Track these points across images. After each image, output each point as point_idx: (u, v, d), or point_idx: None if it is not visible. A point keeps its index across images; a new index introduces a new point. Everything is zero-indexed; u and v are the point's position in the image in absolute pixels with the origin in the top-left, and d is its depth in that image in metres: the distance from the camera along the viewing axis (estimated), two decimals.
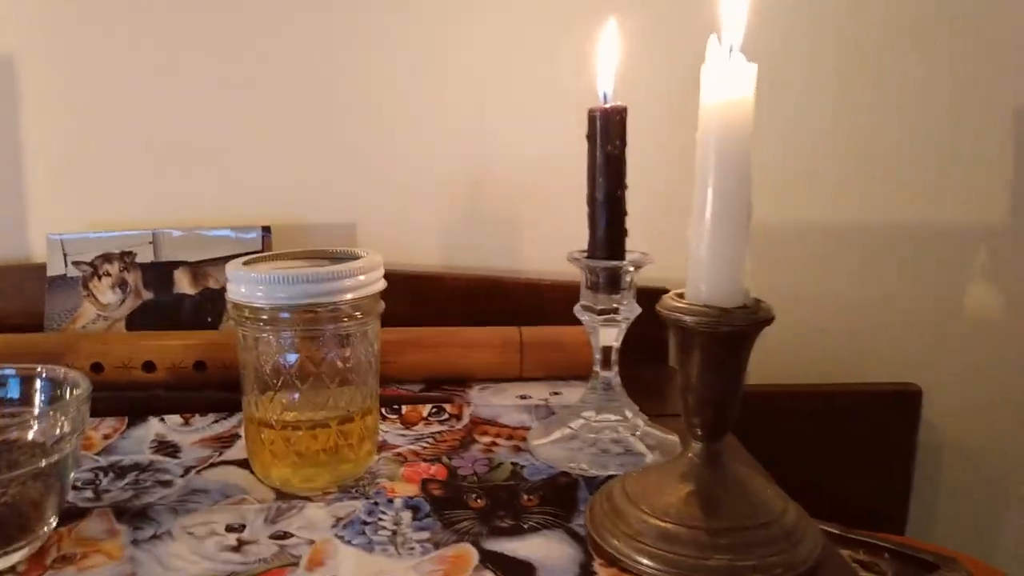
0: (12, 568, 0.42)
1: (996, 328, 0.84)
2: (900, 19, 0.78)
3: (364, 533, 0.45)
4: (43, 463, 0.43)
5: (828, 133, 0.80)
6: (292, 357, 0.48)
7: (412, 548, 0.44)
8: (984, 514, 0.88)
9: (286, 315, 0.48)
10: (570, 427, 0.57)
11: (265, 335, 0.48)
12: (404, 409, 0.63)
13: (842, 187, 0.81)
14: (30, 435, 0.44)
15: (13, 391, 0.48)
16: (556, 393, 0.67)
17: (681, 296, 0.43)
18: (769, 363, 0.82)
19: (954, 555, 0.68)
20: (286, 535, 0.45)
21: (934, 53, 0.79)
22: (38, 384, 0.48)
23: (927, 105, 0.80)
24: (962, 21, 0.78)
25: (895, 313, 0.84)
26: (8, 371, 0.48)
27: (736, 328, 0.41)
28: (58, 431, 0.43)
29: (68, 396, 0.46)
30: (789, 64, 0.78)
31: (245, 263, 0.50)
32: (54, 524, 0.44)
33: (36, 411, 0.47)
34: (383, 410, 0.62)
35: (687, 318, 0.41)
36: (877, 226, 0.82)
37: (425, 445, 0.57)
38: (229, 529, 0.46)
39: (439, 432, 0.59)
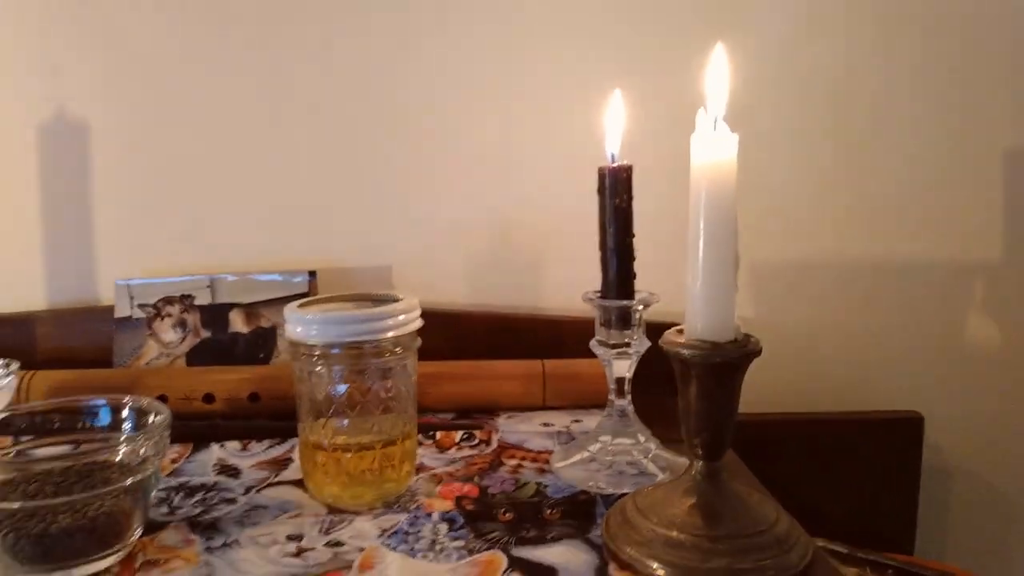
0: (107, 570, 0.48)
1: (994, 357, 0.89)
2: (897, 60, 0.84)
3: (407, 541, 0.51)
4: (129, 481, 0.49)
5: (829, 174, 0.86)
6: (342, 388, 0.55)
7: (449, 554, 0.50)
8: (993, 535, 0.91)
9: (336, 351, 0.55)
10: (589, 451, 0.63)
11: (318, 368, 0.55)
12: (438, 435, 0.70)
13: (845, 224, 0.87)
14: (119, 457, 0.51)
15: (104, 419, 0.55)
16: (577, 421, 0.73)
17: (680, 332, 0.49)
18: (778, 393, 0.87)
19: (954, 570, 0.72)
20: (339, 543, 0.51)
21: (931, 93, 0.84)
22: (125, 412, 0.55)
23: (925, 145, 0.85)
24: (959, 61, 0.84)
25: (897, 344, 0.88)
26: (99, 401, 0.55)
27: (727, 359, 0.47)
28: (143, 452, 0.50)
29: (151, 423, 0.53)
30: (790, 110, 0.85)
31: (300, 306, 0.57)
32: (139, 534, 0.51)
33: (123, 436, 0.54)
34: (420, 436, 0.68)
35: (684, 351, 0.47)
36: (879, 261, 0.87)
37: (458, 467, 0.63)
38: (289, 538, 0.52)
39: (470, 456, 0.66)
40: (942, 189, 0.86)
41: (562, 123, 0.85)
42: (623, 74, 0.82)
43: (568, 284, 0.83)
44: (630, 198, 0.59)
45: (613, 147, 0.60)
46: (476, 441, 0.69)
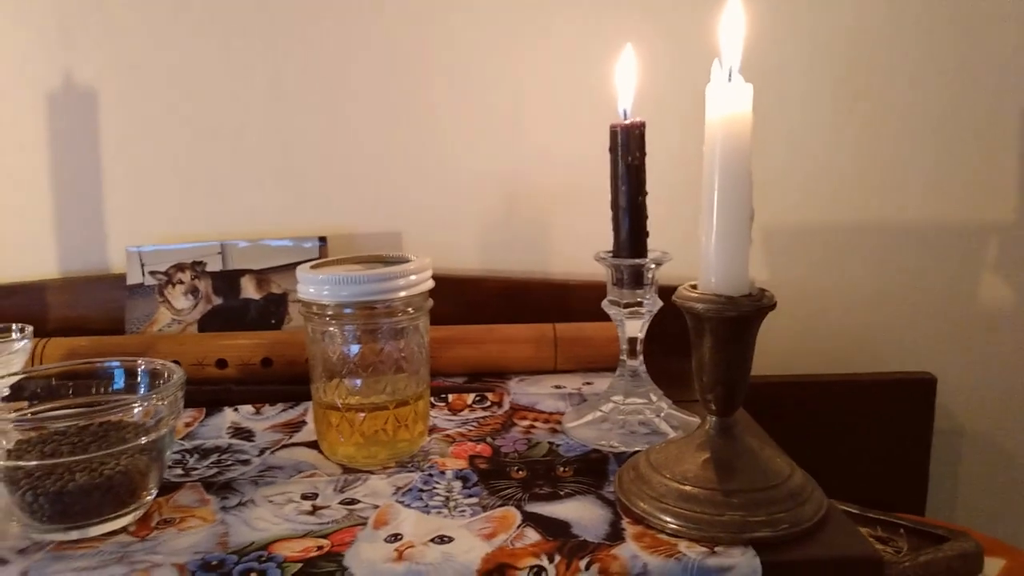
0: (124, 528, 0.49)
1: (1006, 318, 0.88)
2: (908, 19, 0.83)
3: (421, 499, 0.52)
4: (144, 440, 0.50)
5: (840, 134, 0.85)
6: (355, 348, 0.55)
7: (463, 511, 0.50)
8: (1003, 496, 0.92)
9: (349, 311, 0.55)
10: (601, 410, 0.63)
11: (331, 329, 0.55)
12: (451, 398, 0.70)
13: (856, 185, 0.86)
14: (134, 416, 0.51)
15: (118, 381, 0.55)
16: (588, 383, 0.73)
17: (694, 287, 0.49)
18: (790, 354, 0.87)
19: (965, 530, 0.72)
20: (354, 501, 0.52)
21: (938, 53, 0.83)
22: (139, 374, 0.55)
23: (935, 103, 0.84)
24: (965, 21, 0.83)
25: (909, 305, 0.88)
26: (113, 363, 0.56)
27: (741, 313, 0.46)
28: (158, 412, 0.51)
29: (165, 383, 0.53)
30: (798, 72, 0.84)
31: (313, 267, 0.57)
32: (155, 494, 0.52)
33: (140, 396, 0.54)
34: (432, 399, 0.68)
35: (698, 305, 0.47)
36: (891, 222, 0.87)
37: (471, 428, 0.64)
38: (304, 497, 0.52)
39: (482, 417, 0.66)
40: (955, 149, 0.86)
41: (572, 80, 0.84)
42: (635, 28, 0.82)
43: (580, 247, 0.82)
44: (643, 155, 0.58)
45: (626, 103, 0.59)
46: (488, 403, 0.69)
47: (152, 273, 0.82)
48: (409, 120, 0.85)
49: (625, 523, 0.48)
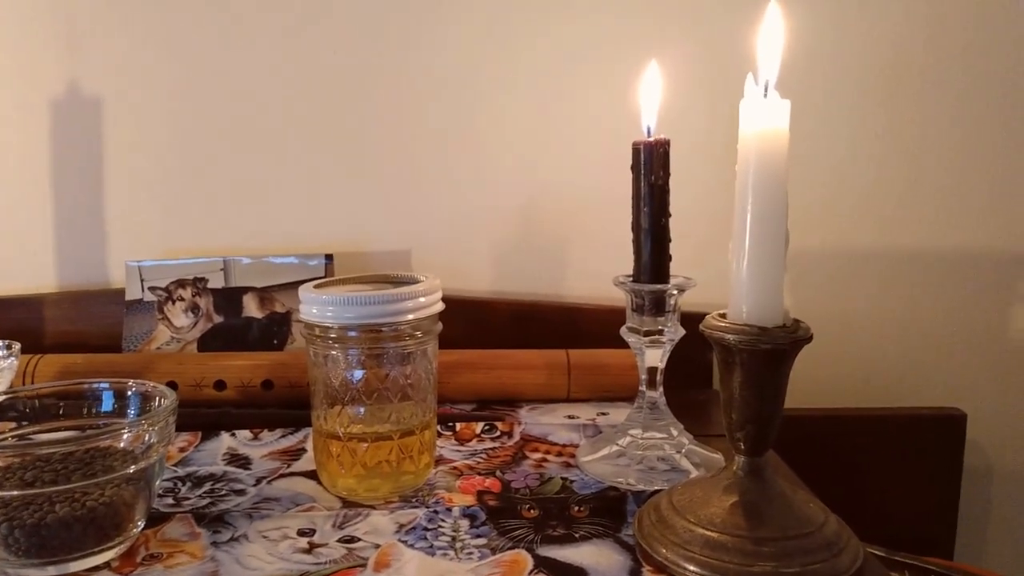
0: (107, 564, 0.46)
1: None
2: (944, 46, 0.80)
3: (426, 538, 0.48)
4: (132, 469, 0.46)
5: (875, 162, 0.82)
6: (358, 373, 0.52)
7: (471, 553, 0.46)
8: None
9: (353, 333, 0.51)
10: (618, 444, 0.59)
11: (334, 352, 0.52)
12: (458, 427, 0.67)
13: (886, 214, 0.83)
14: (122, 443, 0.48)
15: (107, 403, 0.52)
16: (603, 413, 0.70)
17: (723, 316, 0.46)
18: (815, 387, 0.84)
19: (996, 575, 0.68)
20: (353, 539, 0.48)
21: (978, 81, 0.80)
22: (129, 396, 0.52)
23: (971, 133, 0.81)
24: (1013, 46, 0.80)
25: (940, 338, 0.85)
26: (102, 385, 0.53)
27: (776, 346, 0.43)
28: (148, 439, 0.47)
29: (156, 407, 0.50)
30: (836, 95, 0.81)
31: (316, 286, 0.54)
32: (142, 526, 0.48)
33: (127, 421, 0.51)
34: (438, 428, 0.65)
35: (729, 336, 0.44)
36: (921, 252, 0.84)
37: (479, 460, 0.60)
38: (300, 533, 0.49)
39: (492, 448, 0.62)
40: (989, 178, 0.82)
41: (593, 97, 0.81)
42: (660, 44, 0.79)
43: (595, 270, 0.80)
44: (667, 175, 0.55)
45: (650, 120, 0.56)
46: (497, 433, 0.66)
47: (152, 289, 0.79)
48: (419, 133, 0.83)
49: (646, 571, 0.45)
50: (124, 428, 0.48)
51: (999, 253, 0.83)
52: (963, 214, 0.83)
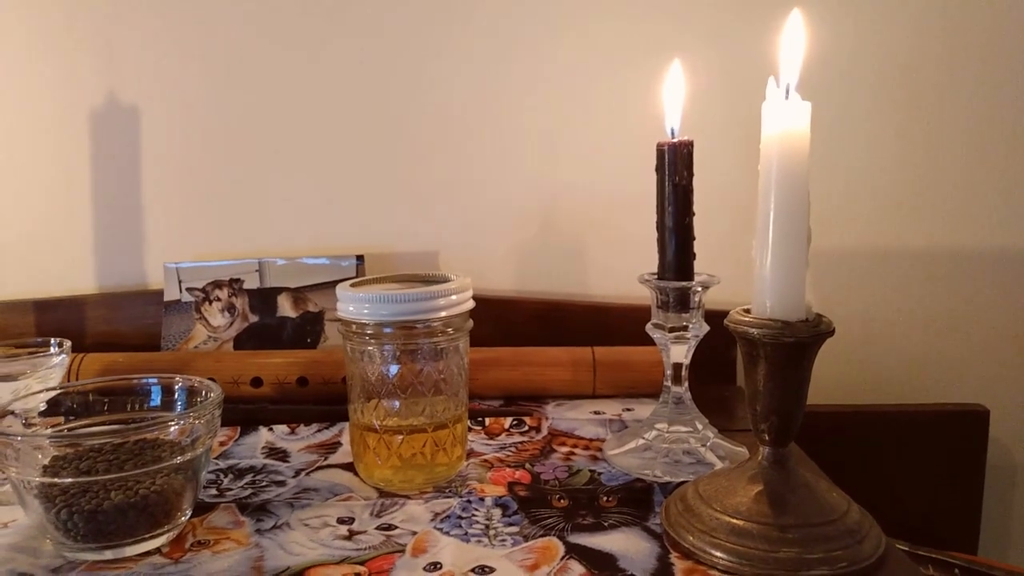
0: (158, 549, 0.48)
1: None
2: (959, 50, 0.80)
3: (460, 526, 0.50)
4: (179, 459, 0.49)
5: (893, 162, 0.83)
6: (394, 368, 0.54)
7: (504, 540, 0.48)
8: None
9: (389, 330, 0.53)
10: (644, 438, 0.61)
11: (370, 348, 0.54)
12: (487, 421, 0.68)
13: (908, 213, 0.84)
14: (170, 435, 0.50)
15: (155, 398, 0.55)
16: (628, 409, 0.71)
17: (748, 312, 0.47)
18: (838, 384, 0.85)
19: (1020, 571, 0.69)
20: (391, 527, 0.50)
21: (994, 82, 0.81)
22: (176, 391, 0.54)
23: (988, 133, 0.82)
24: (1021, 49, 0.80)
25: (962, 335, 0.85)
26: (151, 380, 0.55)
27: (799, 339, 0.44)
28: (194, 431, 0.50)
29: (203, 401, 0.53)
30: (856, 97, 0.81)
31: (353, 285, 0.56)
32: (189, 514, 0.51)
33: (175, 414, 0.54)
34: (468, 423, 0.67)
35: (753, 330, 0.45)
36: (942, 250, 0.84)
37: (509, 453, 0.62)
38: (340, 521, 0.51)
39: (520, 442, 0.64)
40: (1007, 176, 0.83)
41: (616, 98, 0.82)
42: (683, 43, 0.80)
43: (619, 269, 0.81)
44: (691, 175, 0.57)
45: (673, 121, 0.58)
46: (525, 428, 0.67)
47: (189, 290, 0.81)
48: (446, 138, 0.85)
49: (673, 557, 0.46)
50: (173, 420, 0.50)
51: (1019, 250, 0.84)
52: (982, 212, 0.83)
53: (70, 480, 0.46)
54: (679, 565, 0.45)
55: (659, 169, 0.58)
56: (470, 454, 0.61)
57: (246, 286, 0.81)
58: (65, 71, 0.86)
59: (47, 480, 0.46)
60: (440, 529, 0.50)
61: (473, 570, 0.45)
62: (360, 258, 0.81)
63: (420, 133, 0.85)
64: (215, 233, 0.87)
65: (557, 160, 0.84)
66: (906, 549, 0.72)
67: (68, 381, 0.71)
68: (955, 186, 0.83)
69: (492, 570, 0.45)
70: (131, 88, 0.86)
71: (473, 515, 0.51)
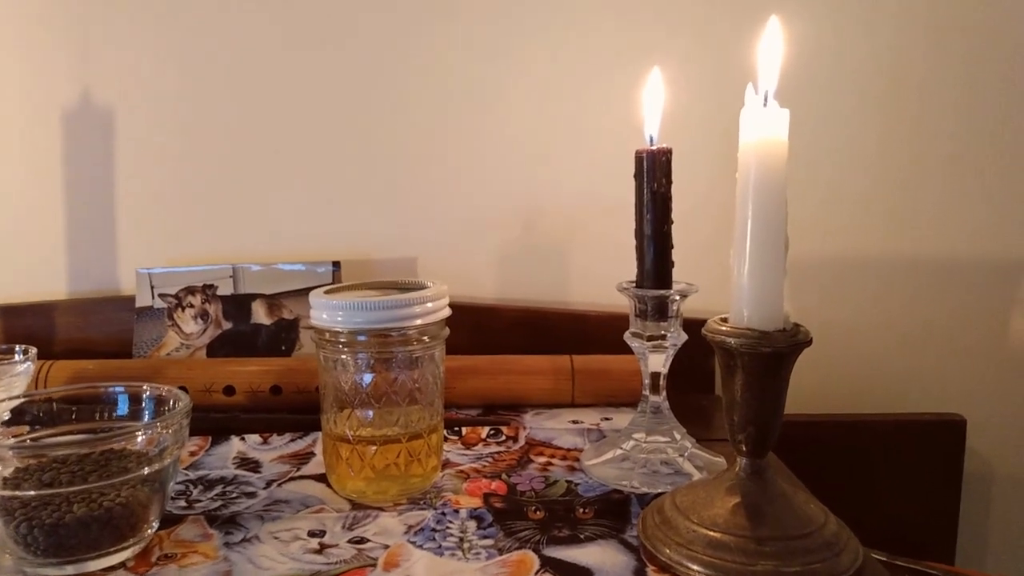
0: (123, 564, 0.47)
1: None
2: (942, 55, 0.81)
3: (434, 539, 0.49)
4: (147, 470, 0.47)
5: (873, 170, 0.83)
6: (368, 377, 0.53)
7: (478, 553, 0.47)
8: None
9: (363, 338, 0.52)
10: (622, 448, 0.60)
11: (344, 356, 0.53)
12: (464, 431, 0.67)
13: (887, 222, 0.84)
14: (137, 445, 0.49)
15: (122, 407, 0.53)
16: (607, 418, 0.71)
17: (725, 320, 0.47)
18: (816, 393, 0.84)
19: None
20: (363, 540, 0.49)
21: (976, 88, 0.81)
22: (144, 400, 0.53)
23: (969, 141, 0.82)
24: (1008, 56, 0.80)
25: (939, 345, 0.85)
26: (117, 388, 0.54)
27: (776, 349, 0.44)
28: (162, 441, 0.48)
29: (170, 411, 0.51)
30: (835, 104, 0.81)
31: (326, 292, 0.55)
32: (156, 527, 0.49)
33: (142, 424, 0.52)
34: (444, 432, 0.66)
35: (730, 340, 0.45)
36: (921, 259, 0.84)
37: (485, 463, 0.61)
38: (311, 534, 0.50)
39: (497, 452, 0.63)
40: (988, 185, 0.83)
41: (596, 105, 0.82)
42: (662, 51, 0.80)
43: (598, 277, 0.81)
44: (669, 183, 0.56)
45: (652, 129, 0.57)
46: (503, 438, 0.66)
47: (162, 296, 0.80)
48: (425, 142, 0.84)
49: (650, 571, 0.46)
50: (139, 430, 0.49)
51: (998, 259, 0.84)
52: (962, 220, 0.84)
53: (32, 493, 0.45)
54: None
55: (638, 176, 0.57)
56: (446, 464, 0.60)
57: (220, 292, 0.80)
58: (37, 68, 0.84)
59: (7, 493, 0.45)
60: (413, 542, 0.49)
61: None
62: (337, 264, 0.80)
63: (399, 138, 0.84)
64: (189, 238, 0.85)
65: (536, 167, 0.84)
66: (884, 560, 0.71)
67: (35, 389, 0.70)
68: (935, 196, 0.83)
69: None
70: (106, 88, 0.84)
71: (447, 528, 0.51)
